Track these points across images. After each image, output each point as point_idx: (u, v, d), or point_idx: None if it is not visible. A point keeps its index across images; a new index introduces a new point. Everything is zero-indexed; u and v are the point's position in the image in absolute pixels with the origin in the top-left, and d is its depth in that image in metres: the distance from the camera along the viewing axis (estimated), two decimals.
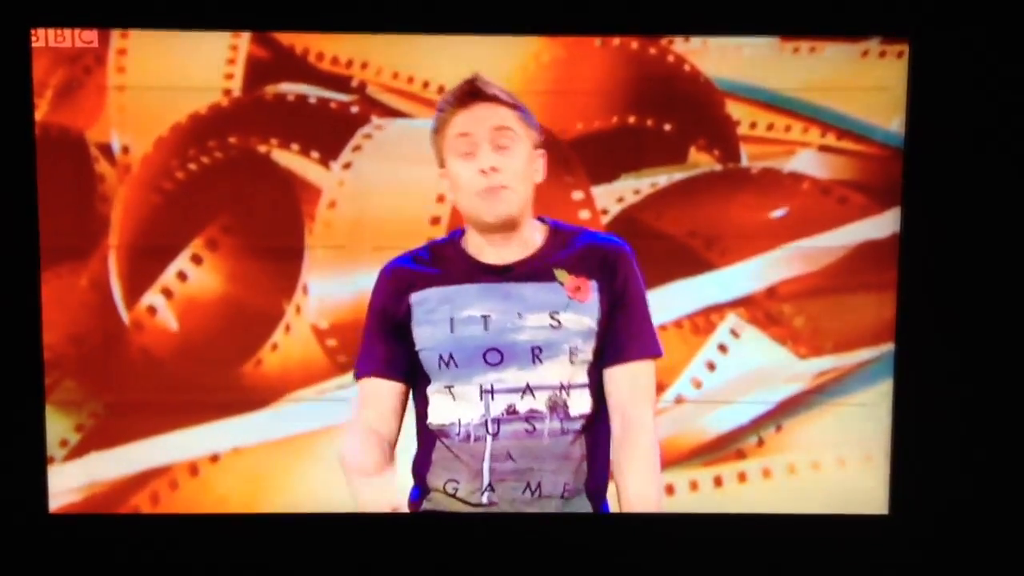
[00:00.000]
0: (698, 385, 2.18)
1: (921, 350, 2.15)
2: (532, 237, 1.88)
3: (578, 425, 1.85)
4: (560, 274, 1.85)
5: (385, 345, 1.88)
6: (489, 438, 1.84)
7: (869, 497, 2.19)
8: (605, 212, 2.14)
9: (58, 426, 2.14)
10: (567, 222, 1.94)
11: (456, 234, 1.90)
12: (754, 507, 2.19)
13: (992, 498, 2.21)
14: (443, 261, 1.88)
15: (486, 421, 1.84)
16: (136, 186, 2.12)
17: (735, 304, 2.16)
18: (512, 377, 1.84)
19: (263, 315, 2.14)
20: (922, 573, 2.23)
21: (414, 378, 1.89)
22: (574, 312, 1.84)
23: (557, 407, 1.85)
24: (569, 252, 1.87)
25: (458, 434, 1.85)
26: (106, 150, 2.10)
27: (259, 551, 2.20)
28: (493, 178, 1.80)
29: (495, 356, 1.83)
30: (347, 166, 2.12)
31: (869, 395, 2.17)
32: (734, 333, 2.17)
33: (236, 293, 2.14)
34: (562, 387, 1.84)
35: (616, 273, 1.87)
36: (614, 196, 2.14)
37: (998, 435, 2.20)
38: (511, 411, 1.84)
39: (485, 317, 1.83)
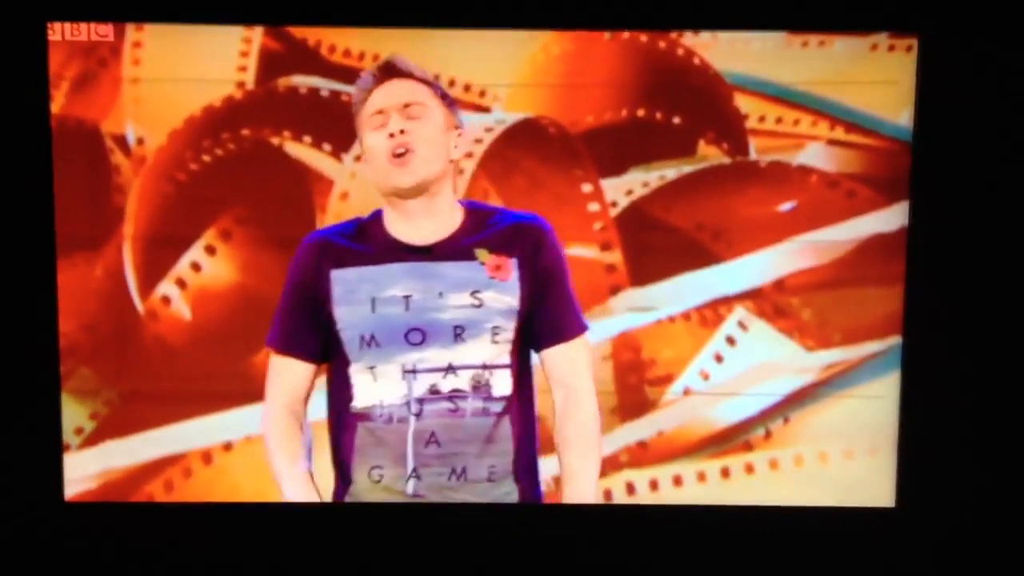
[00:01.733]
0: (706, 377, 2.19)
1: (928, 343, 2.16)
2: (451, 217, 1.88)
3: (500, 407, 1.86)
4: (480, 254, 1.85)
5: (301, 322, 1.89)
6: (412, 419, 1.84)
7: (876, 489, 2.20)
8: (614, 205, 2.15)
9: (74, 414, 2.17)
10: (483, 203, 1.95)
11: (377, 212, 1.91)
12: (761, 499, 2.20)
13: (1000, 490, 2.22)
14: (365, 238, 1.88)
15: (408, 402, 1.83)
16: (151, 177, 2.14)
17: (743, 297, 2.17)
18: (434, 356, 1.83)
19: (275, 305, 2.15)
20: (929, 566, 2.24)
21: (328, 357, 1.89)
22: (495, 291, 1.84)
23: (480, 386, 1.85)
24: (489, 231, 1.87)
25: (381, 415, 1.84)
26: (121, 142, 2.13)
27: (269, 540, 2.22)
28: (400, 140, 1.82)
29: (417, 336, 1.83)
30: (358, 158, 2.14)
31: (876, 387, 2.17)
32: (742, 326, 2.18)
33: (249, 283, 2.16)
34: (485, 367, 1.85)
35: (539, 252, 1.87)
36: (623, 189, 2.15)
37: (1006, 427, 2.20)
38: (434, 391, 1.84)
39: (406, 297, 1.83)
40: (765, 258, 2.16)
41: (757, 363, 2.18)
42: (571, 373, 1.89)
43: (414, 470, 1.86)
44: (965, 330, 2.17)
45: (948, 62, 2.09)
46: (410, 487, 1.86)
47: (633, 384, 2.18)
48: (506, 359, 1.86)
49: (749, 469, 2.20)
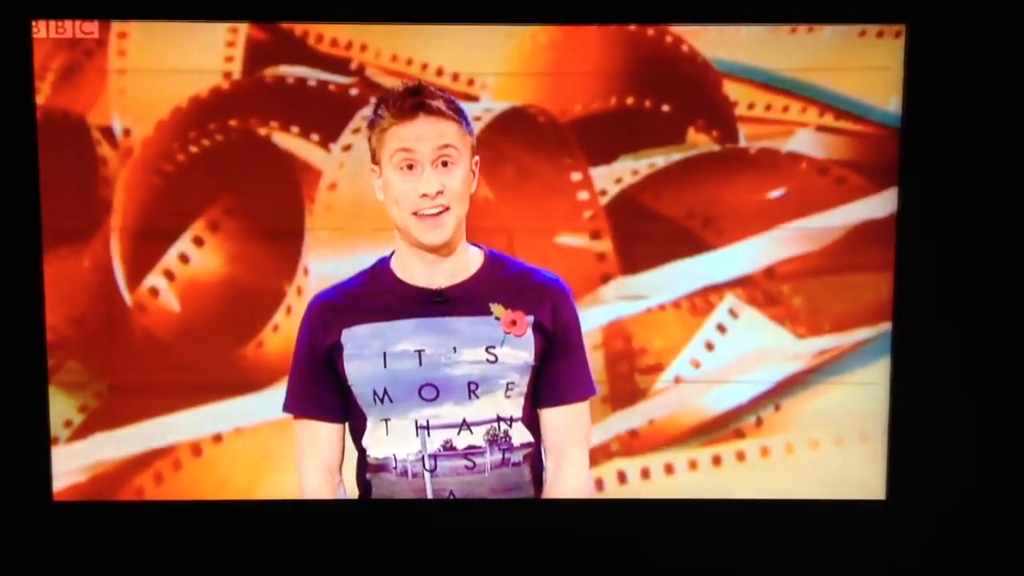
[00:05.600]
0: (697, 365, 2.18)
1: (919, 329, 2.16)
2: (467, 261, 1.82)
3: (520, 456, 1.83)
4: (496, 308, 1.79)
5: (317, 384, 1.84)
6: (427, 474, 1.81)
7: (867, 481, 2.20)
8: (604, 193, 2.15)
9: (62, 407, 2.16)
10: (505, 254, 1.90)
11: (384, 261, 1.85)
12: (752, 486, 2.20)
13: (990, 477, 2.22)
14: (373, 291, 1.83)
15: (423, 457, 1.81)
16: (138, 169, 2.13)
17: (733, 284, 2.17)
18: (448, 412, 1.79)
19: (264, 297, 2.16)
20: (919, 558, 2.24)
21: (349, 415, 1.85)
22: (510, 346, 1.79)
23: (497, 439, 1.82)
24: (505, 284, 1.82)
25: (395, 468, 1.82)
26: (108, 133, 2.12)
27: (261, 536, 2.22)
28: (437, 201, 1.75)
29: (431, 391, 1.79)
30: (347, 148, 2.13)
31: (867, 374, 2.17)
32: (732, 313, 2.18)
33: (238, 275, 2.16)
34: (499, 419, 1.81)
35: (556, 313, 1.82)
36: (612, 177, 2.15)
37: (995, 412, 2.20)
38: (448, 447, 1.80)
39: (419, 351, 1.78)
40: (755, 245, 2.16)
41: (748, 351, 2.18)
42: (566, 441, 1.84)
43: None
44: (955, 316, 2.17)
45: (937, 48, 2.09)
46: None
47: (624, 373, 2.18)
48: (518, 412, 1.84)
49: (740, 457, 2.20)
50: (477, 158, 1.83)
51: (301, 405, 1.88)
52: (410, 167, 1.76)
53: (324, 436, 1.86)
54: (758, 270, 2.17)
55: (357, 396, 1.82)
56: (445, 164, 1.76)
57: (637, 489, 2.19)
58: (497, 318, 1.80)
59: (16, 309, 2.15)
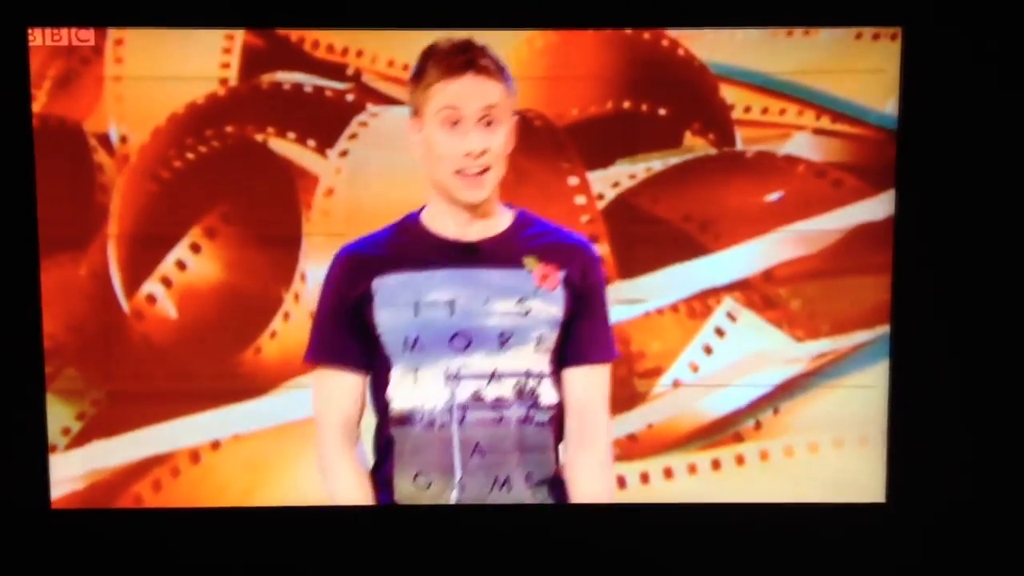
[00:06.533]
0: (695, 369, 2.18)
1: (917, 331, 2.16)
2: (498, 217, 1.85)
3: (546, 416, 1.84)
4: (529, 261, 1.82)
5: (342, 333, 1.85)
6: (455, 425, 1.82)
7: (867, 483, 2.20)
8: (601, 197, 2.15)
9: (60, 414, 2.16)
10: (534, 214, 1.93)
11: (413, 216, 1.87)
12: (751, 490, 2.20)
13: (988, 478, 2.22)
14: (402, 243, 1.85)
15: (451, 407, 1.81)
16: (134, 176, 2.13)
17: (731, 288, 2.17)
18: (478, 363, 1.82)
19: (262, 303, 2.15)
20: (919, 561, 2.23)
21: (373, 366, 1.86)
22: (542, 300, 1.82)
23: (524, 394, 1.83)
24: (537, 239, 1.85)
25: (421, 419, 1.83)
26: (104, 140, 2.12)
27: (260, 543, 2.21)
28: (481, 161, 1.78)
29: (462, 341, 1.81)
30: (343, 154, 2.13)
31: (866, 377, 2.17)
32: (731, 317, 2.17)
33: (235, 281, 2.15)
34: (528, 374, 1.83)
35: (585, 273, 1.85)
36: (609, 181, 2.15)
37: (994, 415, 2.20)
38: (477, 398, 1.82)
39: (451, 302, 1.81)
40: (753, 249, 2.16)
41: (746, 354, 2.18)
42: (587, 402, 1.87)
43: (460, 479, 1.84)
44: (953, 318, 2.17)
45: (933, 50, 2.09)
46: (454, 496, 1.85)
47: (622, 377, 2.17)
48: (547, 368, 1.84)
49: (740, 461, 2.20)
50: (517, 117, 1.86)
51: (325, 354, 1.88)
52: (454, 123, 1.79)
53: (346, 386, 1.87)
54: (756, 273, 2.16)
55: (386, 344, 1.83)
56: (489, 124, 1.79)
57: (636, 494, 2.19)
58: (530, 271, 1.82)
59: (13, 317, 2.15)
